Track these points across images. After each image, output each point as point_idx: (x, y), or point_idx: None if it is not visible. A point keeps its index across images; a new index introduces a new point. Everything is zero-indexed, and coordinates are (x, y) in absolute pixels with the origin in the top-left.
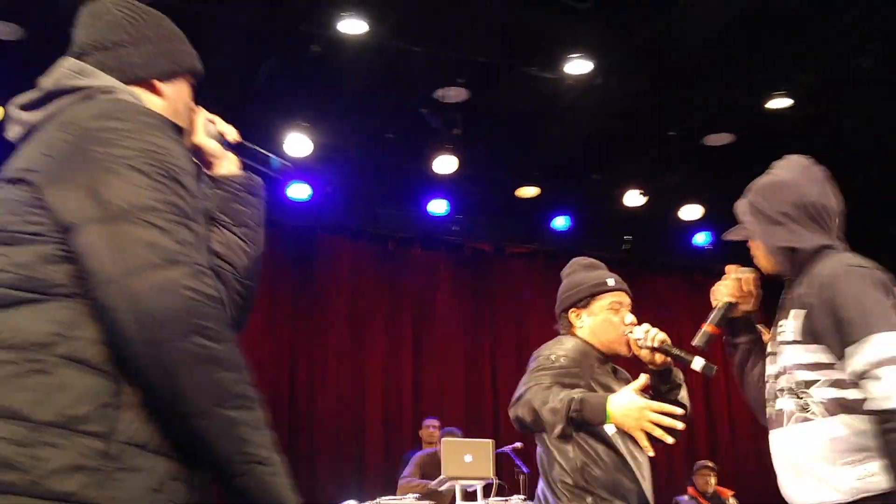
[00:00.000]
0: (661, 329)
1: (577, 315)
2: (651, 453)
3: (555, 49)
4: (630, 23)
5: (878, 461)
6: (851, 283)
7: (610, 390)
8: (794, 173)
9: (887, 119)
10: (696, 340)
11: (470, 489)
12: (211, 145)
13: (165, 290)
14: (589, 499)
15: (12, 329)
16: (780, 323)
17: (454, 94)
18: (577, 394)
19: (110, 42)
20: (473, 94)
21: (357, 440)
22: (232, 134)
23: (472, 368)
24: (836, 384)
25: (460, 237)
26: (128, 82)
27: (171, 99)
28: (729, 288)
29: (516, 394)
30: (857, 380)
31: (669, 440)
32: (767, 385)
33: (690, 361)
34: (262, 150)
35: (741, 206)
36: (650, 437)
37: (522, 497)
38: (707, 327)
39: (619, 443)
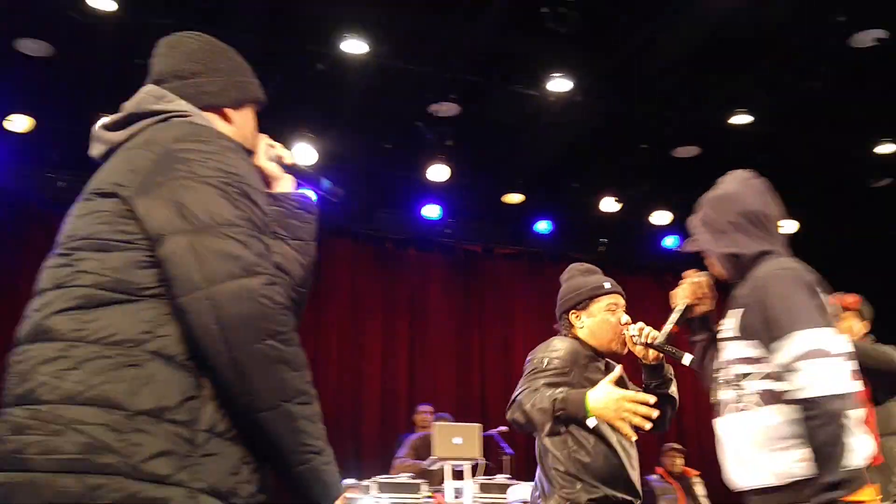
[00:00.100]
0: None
1: (577, 316)
2: (634, 438)
3: (538, 69)
4: (606, 46)
5: (808, 448)
6: (781, 285)
7: None
8: (737, 186)
9: (835, 135)
10: (659, 339)
11: (458, 468)
12: (271, 167)
13: (244, 297)
14: (578, 485)
15: (107, 327)
16: (723, 321)
17: (446, 108)
18: (560, 393)
19: (187, 72)
20: (464, 109)
21: (354, 426)
22: (289, 157)
23: (462, 359)
24: (768, 377)
25: (452, 239)
26: (202, 108)
27: (239, 125)
28: (686, 291)
29: (512, 398)
30: (783, 372)
31: (647, 426)
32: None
33: (681, 357)
34: (315, 173)
35: (693, 220)
36: (631, 424)
37: (507, 476)
38: (668, 327)
39: (609, 433)
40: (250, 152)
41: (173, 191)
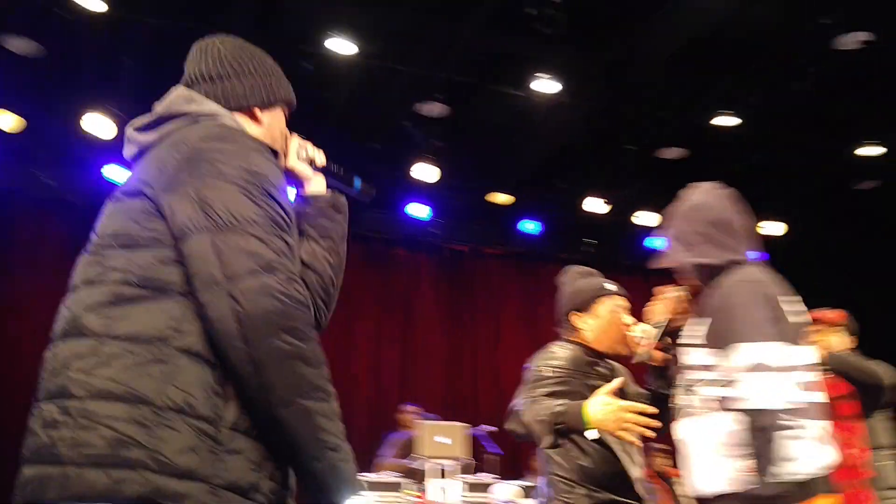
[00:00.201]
0: None
1: (581, 318)
2: (639, 444)
3: (525, 70)
4: (593, 48)
5: (760, 459)
6: (739, 296)
7: None
8: (705, 196)
9: (821, 137)
10: (640, 357)
11: (442, 467)
12: (302, 168)
13: (262, 293)
14: (581, 490)
15: (135, 324)
16: (687, 329)
17: (435, 109)
18: (558, 407)
19: (217, 74)
20: (452, 110)
21: (344, 424)
22: (320, 158)
23: (451, 355)
24: (721, 384)
25: (441, 239)
26: (231, 109)
27: (267, 125)
28: (666, 307)
29: (511, 407)
30: (731, 381)
31: (649, 434)
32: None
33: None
34: (347, 173)
35: (664, 235)
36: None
37: (493, 476)
38: (649, 341)
39: (610, 438)
40: (276, 152)
41: (198, 189)
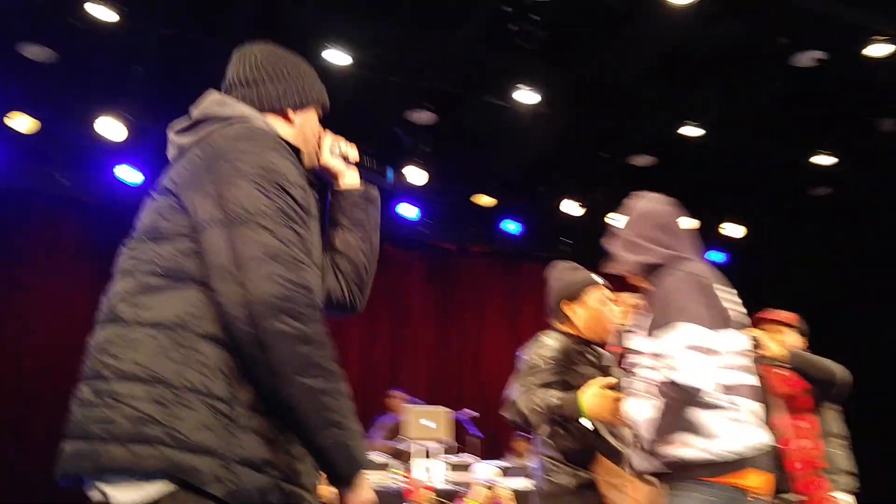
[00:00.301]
0: None
1: (571, 307)
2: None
3: (508, 82)
4: (570, 62)
5: (690, 434)
6: (676, 284)
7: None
8: (650, 204)
9: (779, 147)
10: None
11: (427, 448)
12: (335, 163)
13: (266, 279)
14: (567, 470)
15: (161, 312)
16: (635, 318)
17: (423, 117)
18: (555, 399)
19: (252, 79)
20: (440, 118)
21: None
22: (353, 154)
23: (437, 344)
24: (655, 366)
25: (428, 238)
26: (264, 111)
27: (300, 125)
28: (624, 313)
29: (508, 397)
30: (661, 357)
31: None
32: None
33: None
34: (379, 167)
35: (611, 244)
36: None
37: (474, 457)
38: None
39: (600, 424)
40: (298, 151)
41: (217, 186)
